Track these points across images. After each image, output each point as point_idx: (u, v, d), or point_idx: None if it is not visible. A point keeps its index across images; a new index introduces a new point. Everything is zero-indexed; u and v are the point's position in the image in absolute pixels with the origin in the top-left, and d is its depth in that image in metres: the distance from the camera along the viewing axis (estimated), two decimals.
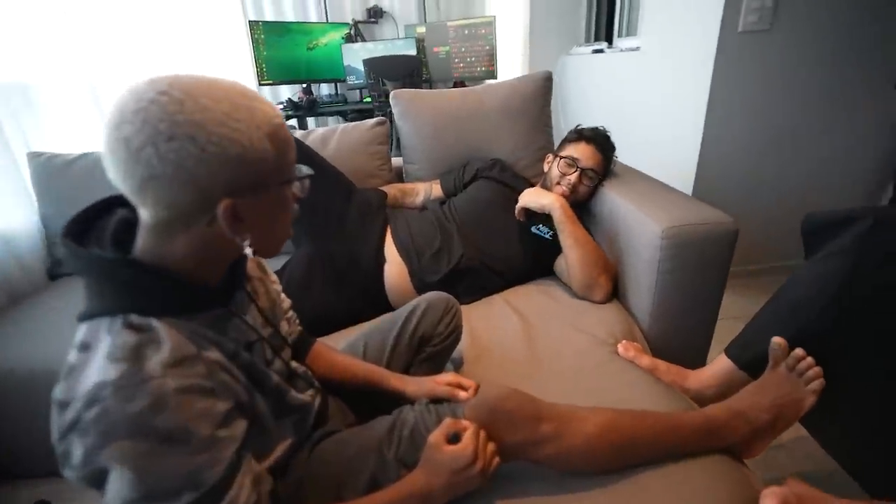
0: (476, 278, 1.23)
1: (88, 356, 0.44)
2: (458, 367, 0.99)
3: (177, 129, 0.42)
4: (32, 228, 1.46)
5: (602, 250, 1.18)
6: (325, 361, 0.80)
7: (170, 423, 0.42)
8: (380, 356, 0.85)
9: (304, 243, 1.25)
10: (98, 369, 0.42)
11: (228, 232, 0.47)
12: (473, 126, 1.50)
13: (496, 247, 1.26)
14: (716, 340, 1.10)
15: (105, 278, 0.47)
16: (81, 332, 0.46)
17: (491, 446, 0.62)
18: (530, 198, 1.22)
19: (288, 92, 2.94)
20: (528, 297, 1.21)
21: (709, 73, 1.59)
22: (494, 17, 2.66)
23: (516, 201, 1.32)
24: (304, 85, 2.85)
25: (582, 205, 1.33)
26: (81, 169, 1.44)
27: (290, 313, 0.79)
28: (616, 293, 1.19)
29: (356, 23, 2.83)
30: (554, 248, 1.26)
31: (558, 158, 1.28)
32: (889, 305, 0.75)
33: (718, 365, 0.95)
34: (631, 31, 2.34)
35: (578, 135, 1.29)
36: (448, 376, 0.77)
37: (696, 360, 1.10)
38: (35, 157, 1.45)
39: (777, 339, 0.78)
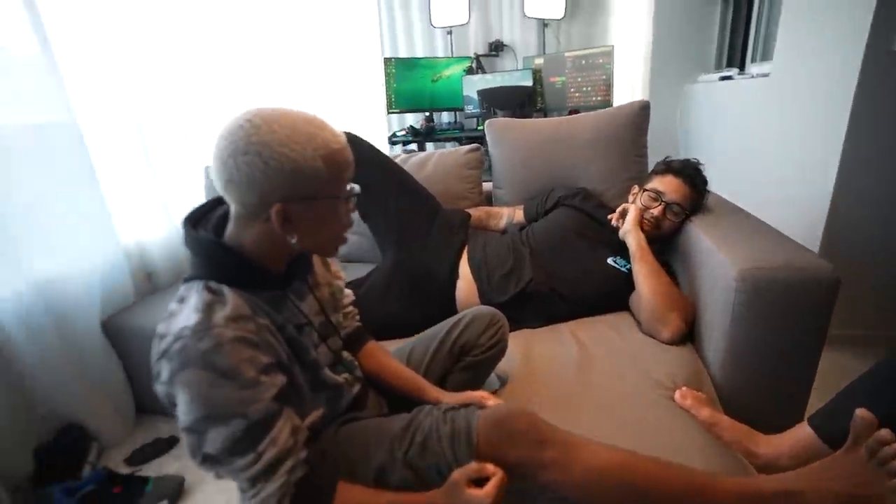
0: (544, 304, 1.24)
1: (182, 306, 0.60)
2: (504, 383, 1.02)
3: (250, 146, 0.56)
4: None
5: (676, 287, 1.11)
6: (375, 361, 0.89)
7: (224, 362, 0.55)
8: (421, 360, 0.92)
9: (389, 253, 1.39)
10: (185, 316, 0.57)
11: (278, 229, 0.60)
12: (562, 154, 1.52)
13: (568, 274, 1.25)
14: (810, 407, 0.95)
15: (202, 253, 0.63)
16: (182, 289, 0.63)
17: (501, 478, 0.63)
18: (629, 211, 1.22)
19: (412, 119, 3.23)
20: (594, 329, 1.18)
21: (849, 99, 1.37)
22: (612, 46, 2.62)
23: (595, 231, 1.31)
24: (427, 113, 3.11)
25: (667, 240, 1.26)
26: None
27: (350, 308, 0.91)
28: (692, 338, 1.10)
29: (478, 56, 3.01)
30: (630, 282, 1.22)
31: (643, 191, 1.24)
32: None
33: (797, 433, 0.83)
34: (767, 56, 2.11)
35: (666, 167, 1.25)
36: (482, 394, 0.81)
37: (777, 424, 0.96)
38: (209, 170, 1.85)
39: (861, 412, 0.66)
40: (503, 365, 1.05)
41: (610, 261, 1.25)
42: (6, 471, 1.12)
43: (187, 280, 0.63)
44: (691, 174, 1.22)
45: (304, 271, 0.76)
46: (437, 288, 1.30)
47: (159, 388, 0.59)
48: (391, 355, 0.92)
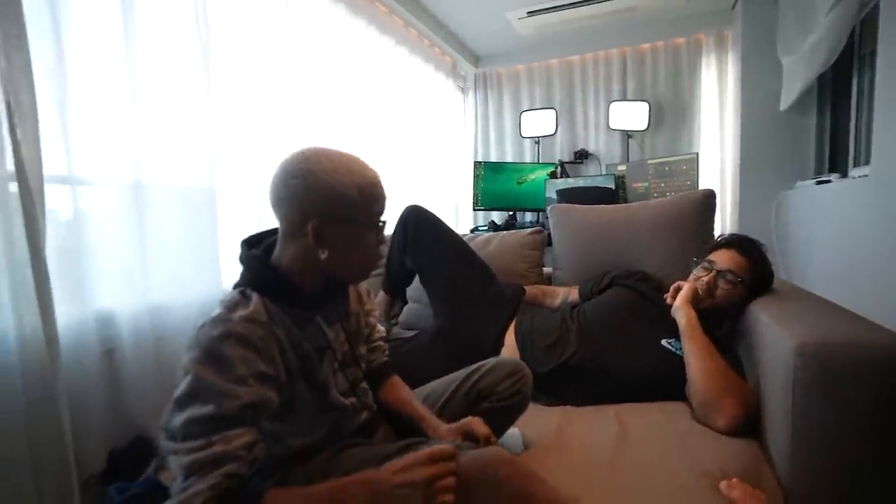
0: (588, 380, 1.18)
1: (222, 304, 0.70)
2: (527, 447, 0.96)
3: (299, 171, 0.69)
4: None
5: (731, 370, 1.00)
6: (393, 393, 0.93)
7: (223, 351, 0.61)
8: (436, 402, 0.93)
9: (440, 316, 1.45)
10: (217, 310, 0.68)
11: (312, 244, 0.69)
12: (622, 238, 1.53)
13: (616, 352, 1.20)
14: None
15: (247, 266, 0.75)
16: (227, 294, 0.73)
17: (450, 481, 0.61)
18: (683, 288, 1.17)
19: (497, 216, 3.45)
20: (642, 414, 1.08)
21: None
22: (697, 154, 2.65)
23: (650, 311, 1.26)
24: (511, 212, 3.30)
25: (730, 323, 1.17)
26: None
27: (379, 343, 0.97)
28: (758, 431, 0.95)
29: (562, 162, 3.21)
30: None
31: (695, 263, 1.22)
32: None
33: None
34: (869, 160, 1.98)
35: (717, 242, 1.23)
36: (475, 421, 0.80)
37: None
38: None
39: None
40: (532, 432, 1.01)
41: (664, 342, 1.17)
42: (83, 465, 1.26)
43: (234, 287, 0.73)
44: (743, 245, 1.18)
45: (338, 297, 0.83)
46: (481, 354, 1.31)
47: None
48: (406, 388, 0.94)
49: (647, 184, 2.87)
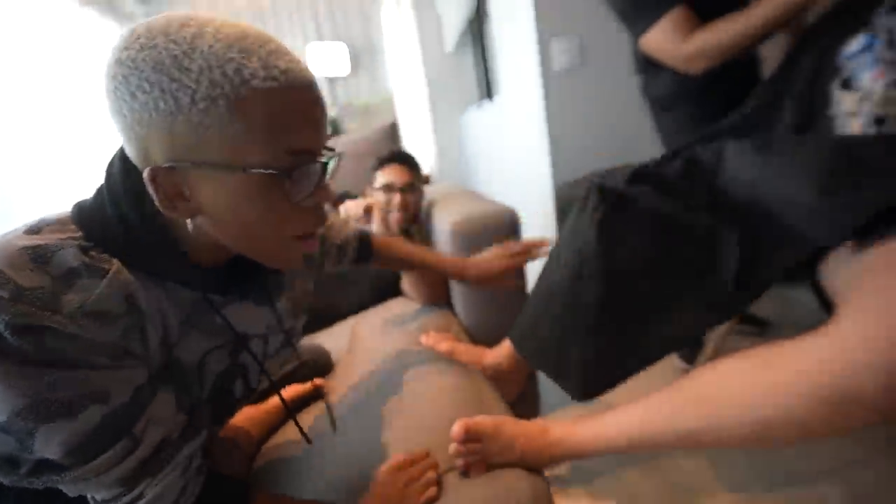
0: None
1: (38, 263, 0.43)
2: None
3: (120, 65, 0.38)
4: None
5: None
6: (392, 252, 1.05)
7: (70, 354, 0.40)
8: None
9: None
10: (23, 271, 0.41)
11: (158, 204, 0.42)
12: None
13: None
14: None
15: (109, 191, 0.46)
16: (46, 218, 0.46)
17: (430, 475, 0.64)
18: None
19: None
20: (371, 317, 1.45)
21: (542, 112, 1.96)
22: (392, 95, 3.21)
23: None
24: None
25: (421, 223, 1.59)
26: None
27: (344, 235, 0.94)
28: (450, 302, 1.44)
29: None
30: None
31: (374, 190, 1.47)
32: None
33: (507, 344, 1.12)
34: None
35: (380, 162, 1.48)
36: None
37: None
38: None
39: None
40: None
41: None
42: None
43: (73, 209, 0.46)
44: (403, 157, 1.47)
45: (258, 273, 0.57)
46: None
47: None
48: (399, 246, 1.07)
49: (357, 125, 3.32)
